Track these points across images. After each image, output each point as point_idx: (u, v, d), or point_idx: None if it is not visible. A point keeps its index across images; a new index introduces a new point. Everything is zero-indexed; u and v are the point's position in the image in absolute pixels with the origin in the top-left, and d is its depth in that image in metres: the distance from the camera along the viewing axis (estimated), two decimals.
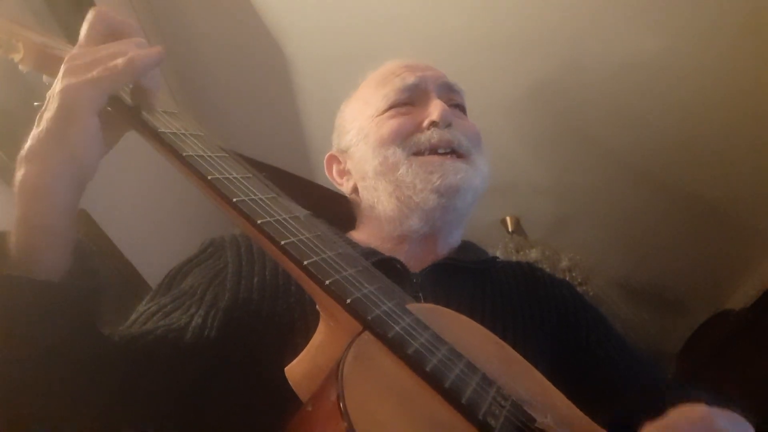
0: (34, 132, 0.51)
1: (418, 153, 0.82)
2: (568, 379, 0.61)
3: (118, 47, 0.53)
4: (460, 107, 0.91)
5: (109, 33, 0.56)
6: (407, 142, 0.83)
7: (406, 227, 0.81)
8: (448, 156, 0.81)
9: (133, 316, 0.68)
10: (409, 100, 0.87)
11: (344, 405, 0.38)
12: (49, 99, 0.52)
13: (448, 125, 0.82)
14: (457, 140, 0.82)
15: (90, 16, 0.56)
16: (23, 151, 0.51)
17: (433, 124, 0.82)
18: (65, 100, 0.50)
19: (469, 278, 0.81)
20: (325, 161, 0.97)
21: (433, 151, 0.82)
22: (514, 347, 0.59)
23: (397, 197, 0.81)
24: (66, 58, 0.53)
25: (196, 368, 0.64)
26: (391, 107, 0.87)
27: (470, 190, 0.81)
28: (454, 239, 0.88)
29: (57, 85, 0.51)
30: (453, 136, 0.82)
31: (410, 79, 0.88)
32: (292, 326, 0.59)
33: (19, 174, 0.50)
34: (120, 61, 0.52)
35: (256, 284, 0.71)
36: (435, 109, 0.83)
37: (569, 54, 1.62)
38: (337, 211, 0.91)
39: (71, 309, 0.52)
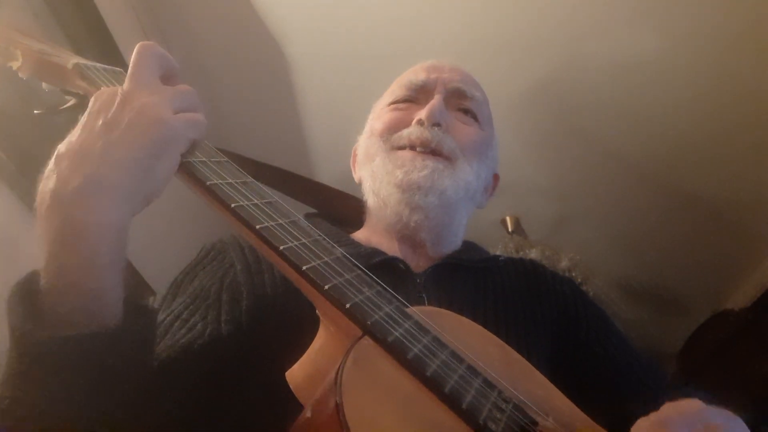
0: (102, 162, 0.46)
1: (400, 148, 0.82)
2: (569, 376, 0.61)
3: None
4: (471, 113, 0.88)
5: (161, 69, 0.55)
6: (392, 136, 0.83)
7: (385, 220, 0.82)
8: (426, 155, 0.80)
9: None
10: (414, 97, 0.88)
11: (343, 412, 0.38)
12: (117, 122, 0.48)
13: (436, 125, 0.81)
14: (437, 140, 0.80)
15: (143, 50, 0.53)
16: (83, 180, 0.45)
17: (419, 122, 0.82)
18: (168, 132, 0.48)
19: (471, 277, 0.81)
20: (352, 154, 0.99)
21: (413, 148, 0.81)
22: (516, 345, 0.59)
23: (372, 189, 0.83)
24: (139, 81, 0.51)
25: (229, 368, 0.63)
26: (393, 102, 0.89)
27: (436, 191, 0.78)
28: (449, 244, 0.87)
29: (147, 112, 0.48)
30: (434, 136, 0.80)
31: (420, 77, 0.88)
32: (302, 324, 0.59)
33: (82, 209, 0.45)
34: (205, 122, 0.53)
35: (268, 280, 0.70)
36: (426, 108, 0.82)
37: (570, 54, 1.62)
38: (342, 209, 0.91)
39: (141, 349, 0.51)
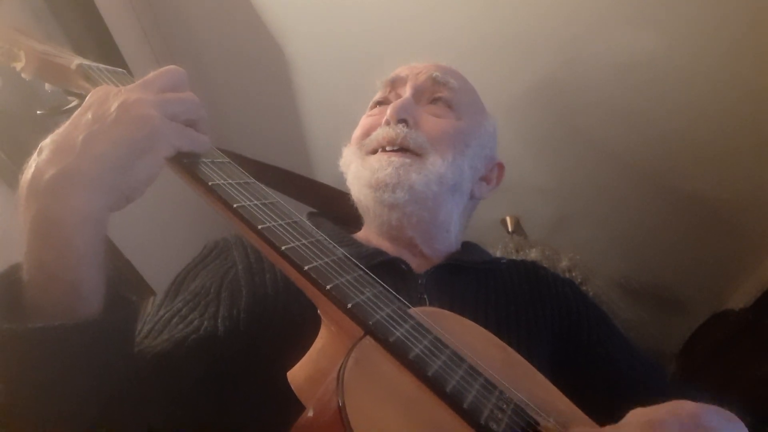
0: (81, 154, 0.45)
1: (372, 152, 0.83)
2: (570, 378, 0.61)
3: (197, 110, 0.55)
4: (444, 101, 0.87)
5: (171, 87, 0.55)
6: (365, 141, 0.85)
7: (373, 222, 0.84)
8: (396, 153, 0.80)
9: (148, 326, 0.65)
10: (388, 99, 0.89)
11: (345, 412, 0.38)
12: (104, 116, 0.48)
13: (402, 122, 0.81)
14: (401, 136, 0.80)
15: (164, 68, 0.55)
16: (58, 171, 0.45)
17: (386, 121, 0.83)
18: (152, 131, 0.48)
19: (473, 279, 0.81)
20: None
21: (384, 149, 0.82)
22: (517, 347, 0.59)
23: (354, 194, 0.85)
24: (142, 84, 0.52)
25: (227, 366, 0.63)
26: (372, 107, 0.91)
27: (403, 186, 0.77)
28: (442, 240, 0.86)
29: (134, 108, 0.48)
30: (398, 133, 0.80)
31: (391, 75, 0.90)
32: (303, 324, 0.60)
33: (55, 200, 0.45)
34: (206, 139, 0.54)
35: (269, 280, 0.70)
36: (390, 106, 0.83)
37: (570, 54, 1.62)
38: (343, 209, 0.92)
39: (119, 343, 0.50)
